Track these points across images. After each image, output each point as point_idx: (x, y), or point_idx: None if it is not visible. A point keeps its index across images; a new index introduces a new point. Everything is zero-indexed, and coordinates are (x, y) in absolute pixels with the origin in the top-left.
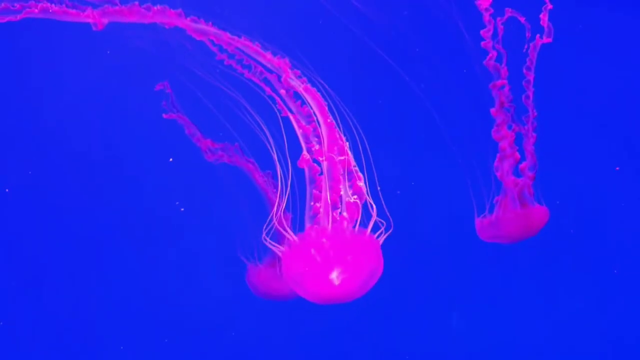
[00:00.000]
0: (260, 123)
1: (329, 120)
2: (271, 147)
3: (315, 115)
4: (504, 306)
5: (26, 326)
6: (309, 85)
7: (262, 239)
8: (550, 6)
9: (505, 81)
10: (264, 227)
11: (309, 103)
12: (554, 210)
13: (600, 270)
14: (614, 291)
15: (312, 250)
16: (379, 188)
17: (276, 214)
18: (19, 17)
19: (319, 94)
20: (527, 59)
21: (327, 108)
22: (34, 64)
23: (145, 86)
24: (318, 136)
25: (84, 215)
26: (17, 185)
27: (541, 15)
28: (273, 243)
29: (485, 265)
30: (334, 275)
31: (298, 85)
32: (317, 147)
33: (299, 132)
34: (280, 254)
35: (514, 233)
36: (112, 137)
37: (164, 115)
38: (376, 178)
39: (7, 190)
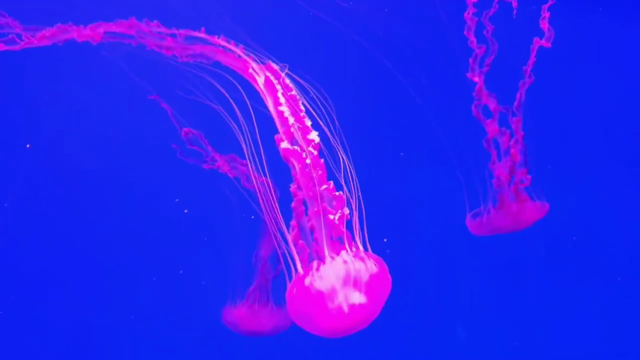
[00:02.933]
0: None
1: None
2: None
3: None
4: (509, 315)
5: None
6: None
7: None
8: (547, 14)
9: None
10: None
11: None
12: (557, 218)
13: (605, 277)
14: (619, 298)
15: (316, 284)
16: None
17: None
18: (21, 45)
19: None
20: (529, 61)
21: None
22: (29, 68)
23: (142, 91)
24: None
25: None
26: (19, 191)
27: (540, 21)
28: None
29: (488, 273)
30: (342, 302)
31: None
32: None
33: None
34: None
35: (508, 226)
36: (112, 143)
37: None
38: (355, 181)
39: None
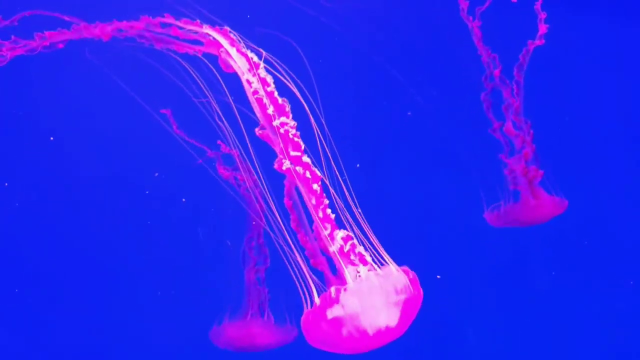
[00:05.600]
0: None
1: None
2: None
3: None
4: (518, 318)
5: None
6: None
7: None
8: (543, 15)
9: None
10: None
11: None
12: (568, 220)
13: (618, 280)
14: (632, 302)
15: (336, 311)
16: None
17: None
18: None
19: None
20: (521, 57)
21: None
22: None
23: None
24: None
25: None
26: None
27: (539, 23)
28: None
29: (497, 275)
30: (367, 327)
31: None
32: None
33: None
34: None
35: (525, 220)
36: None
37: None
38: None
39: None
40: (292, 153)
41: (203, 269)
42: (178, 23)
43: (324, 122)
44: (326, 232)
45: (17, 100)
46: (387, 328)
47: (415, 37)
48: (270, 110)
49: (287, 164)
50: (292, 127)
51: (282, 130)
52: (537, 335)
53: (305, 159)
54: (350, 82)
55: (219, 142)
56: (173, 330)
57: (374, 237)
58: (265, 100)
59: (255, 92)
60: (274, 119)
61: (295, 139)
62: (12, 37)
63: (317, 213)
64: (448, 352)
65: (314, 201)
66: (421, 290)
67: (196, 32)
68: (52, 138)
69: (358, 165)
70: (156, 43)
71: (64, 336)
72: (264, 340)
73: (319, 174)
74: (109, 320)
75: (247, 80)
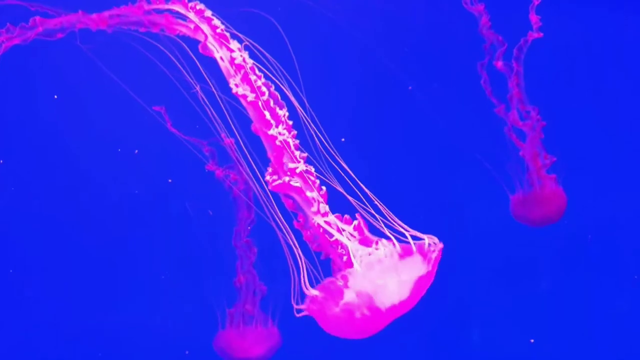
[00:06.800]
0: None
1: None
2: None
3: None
4: (523, 317)
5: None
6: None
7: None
8: (537, 1)
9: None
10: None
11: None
12: (572, 216)
13: (622, 276)
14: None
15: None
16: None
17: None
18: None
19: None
20: (516, 51)
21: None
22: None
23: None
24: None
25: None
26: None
27: (530, 16)
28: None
29: (501, 274)
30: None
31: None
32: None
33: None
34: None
35: (538, 214)
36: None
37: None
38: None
39: None
40: (290, 165)
41: (197, 264)
42: (168, 6)
43: (309, 108)
44: (333, 238)
45: (8, 92)
46: (400, 304)
47: (412, 29)
48: (267, 116)
49: (278, 182)
50: (289, 138)
51: (277, 142)
52: (539, 331)
53: (301, 167)
54: (346, 76)
55: (223, 135)
56: (168, 324)
57: (389, 211)
58: (260, 105)
59: (245, 96)
60: (269, 128)
61: (296, 151)
62: (8, 24)
63: (317, 218)
64: (449, 349)
65: (314, 209)
66: (435, 260)
67: (185, 18)
68: (55, 96)
69: (343, 139)
70: (153, 28)
71: (54, 325)
72: (259, 351)
73: (317, 181)
74: (103, 309)
75: (236, 85)
